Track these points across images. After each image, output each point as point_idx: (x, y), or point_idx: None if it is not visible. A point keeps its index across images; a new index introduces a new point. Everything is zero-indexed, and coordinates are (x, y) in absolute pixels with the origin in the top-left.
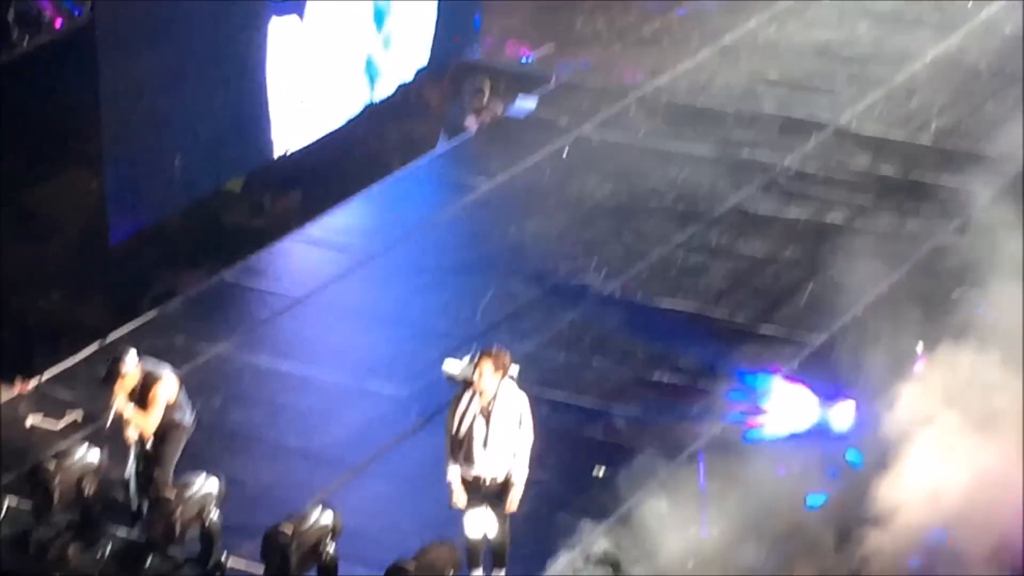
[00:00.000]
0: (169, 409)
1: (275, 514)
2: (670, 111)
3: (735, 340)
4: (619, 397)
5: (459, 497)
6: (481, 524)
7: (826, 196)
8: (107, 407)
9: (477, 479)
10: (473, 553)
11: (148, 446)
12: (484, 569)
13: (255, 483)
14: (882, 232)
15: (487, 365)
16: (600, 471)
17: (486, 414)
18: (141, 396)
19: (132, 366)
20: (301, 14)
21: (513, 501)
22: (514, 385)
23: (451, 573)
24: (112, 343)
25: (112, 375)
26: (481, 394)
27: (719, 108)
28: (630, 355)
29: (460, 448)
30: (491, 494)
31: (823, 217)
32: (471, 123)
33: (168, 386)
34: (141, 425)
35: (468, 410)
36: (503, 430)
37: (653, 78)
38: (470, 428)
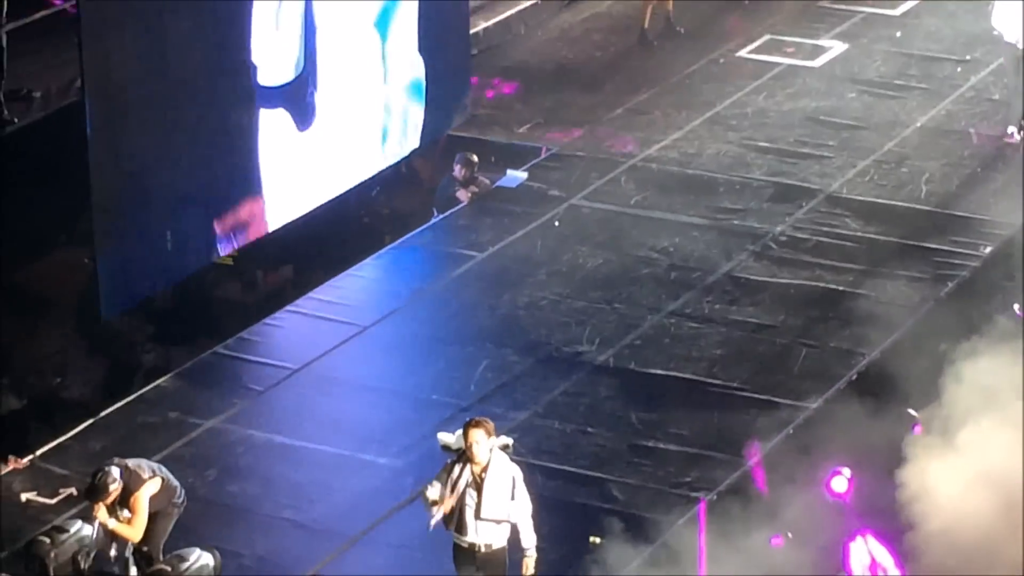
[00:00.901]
0: (154, 500)
1: None
2: (661, 180)
3: (729, 406)
4: (614, 464)
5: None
6: None
7: (818, 262)
8: (92, 519)
9: (472, 546)
10: None
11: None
12: None
13: (251, 556)
14: (875, 296)
15: (479, 432)
16: (596, 540)
17: (478, 483)
18: (123, 500)
19: (116, 483)
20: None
21: (529, 567)
22: (505, 456)
23: None
24: (105, 415)
25: (98, 491)
26: (475, 463)
27: (710, 176)
28: (624, 422)
29: (452, 517)
30: (486, 565)
31: (816, 283)
32: (462, 196)
33: (149, 489)
34: (129, 535)
35: (460, 479)
36: (495, 500)
37: (644, 148)
38: (462, 497)
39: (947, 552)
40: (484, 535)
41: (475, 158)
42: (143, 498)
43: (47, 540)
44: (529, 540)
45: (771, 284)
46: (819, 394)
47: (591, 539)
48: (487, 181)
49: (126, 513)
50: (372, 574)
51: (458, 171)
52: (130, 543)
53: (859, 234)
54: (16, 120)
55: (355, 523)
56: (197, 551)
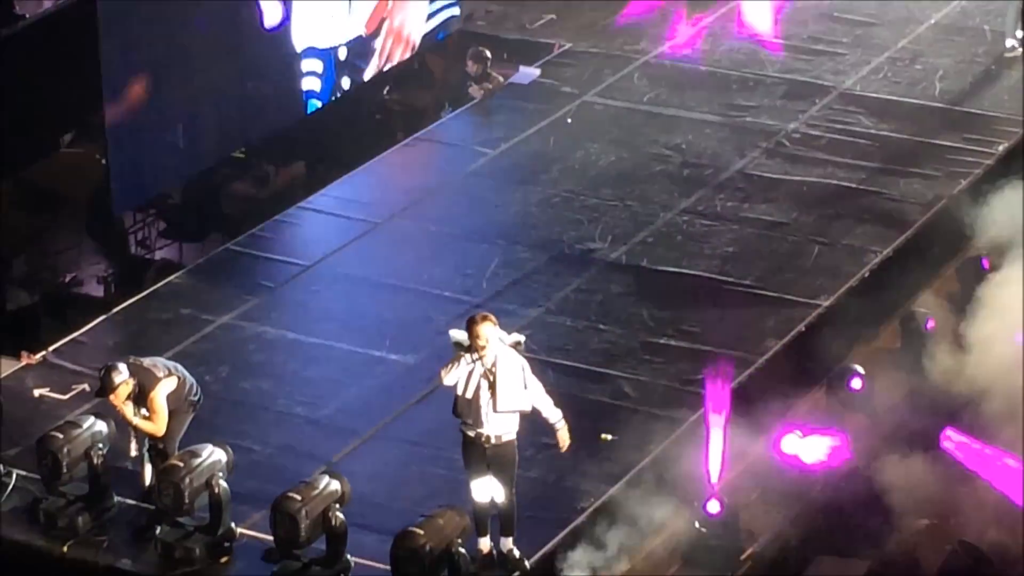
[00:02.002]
0: (171, 398)
1: (283, 482)
2: (674, 76)
3: (741, 304)
4: (625, 361)
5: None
6: (487, 489)
7: (831, 159)
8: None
9: (481, 437)
10: (480, 520)
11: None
12: (491, 537)
13: (263, 452)
14: (888, 194)
15: (486, 327)
16: (608, 436)
17: (490, 379)
18: (140, 399)
19: (123, 378)
20: None
21: (564, 439)
22: (510, 350)
23: (459, 539)
24: (119, 312)
25: (104, 389)
26: (483, 357)
27: (723, 73)
28: (636, 320)
29: (468, 409)
30: (496, 459)
31: (829, 180)
32: (474, 92)
33: (166, 387)
34: (152, 431)
35: (472, 374)
36: (510, 392)
37: (656, 44)
38: (476, 392)
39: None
40: (497, 427)
41: (488, 53)
42: (160, 396)
43: (60, 436)
44: (554, 415)
45: (784, 182)
46: (831, 292)
47: (602, 436)
48: (500, 78)
49: (144, 412)
50: (384, 470)
51: (470, 66)
52: (146, 440)
53: (872, 132)
54: (27, 15)
55: (367, 419)
56: (210, 447)
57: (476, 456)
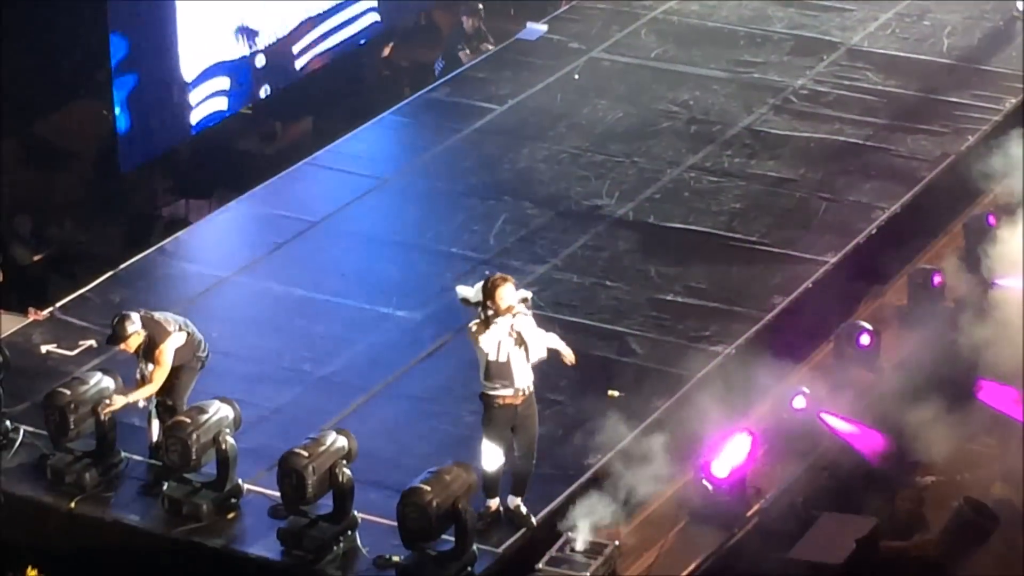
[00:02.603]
0: (179, 353)
1: (290, 438)
2: (681, 32)
3: (748, 260)
4: (632, 318)
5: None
6: (502, 456)
7: (839, 115)
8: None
9: (518, 393)
10: (491, 484)
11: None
12: (501, 496)
13: (269, 408)
14: (895, 150)
15: (508, 286)
16: (615, 393)
17: (514, 335)
18: (148, 352)
19: (135, 328)
20: None
21: (569, 354)
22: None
23: (466, 495)
24: (125, 268)
25: (116, 337)
26: (505, 315)
27: (730, 29)
28: (643, 276)
29: (503, 372)
30: (524, 418)
31: (836, 136)
32: (463, 57)
33: (175, 341)
34: (148, 390)
35: (503, 338)
36: (537, 342)
37: (664, 0)
38: (508, 354)
39: None
40: (526, 379)
41: (480, 6)
42: (168, 349)
43: (67, 392)
44: (558, 342)
45: (791, 138)
46: (838, 248)
47: (609, 392)
48: (490, 44)
49: (151, 366)
50: (391, 426)
51: (465, 21)
52: (153, 397)
53: (880, 87)
54: None
55: (374, 376)
56: (217, 403)
57: (503, 422)
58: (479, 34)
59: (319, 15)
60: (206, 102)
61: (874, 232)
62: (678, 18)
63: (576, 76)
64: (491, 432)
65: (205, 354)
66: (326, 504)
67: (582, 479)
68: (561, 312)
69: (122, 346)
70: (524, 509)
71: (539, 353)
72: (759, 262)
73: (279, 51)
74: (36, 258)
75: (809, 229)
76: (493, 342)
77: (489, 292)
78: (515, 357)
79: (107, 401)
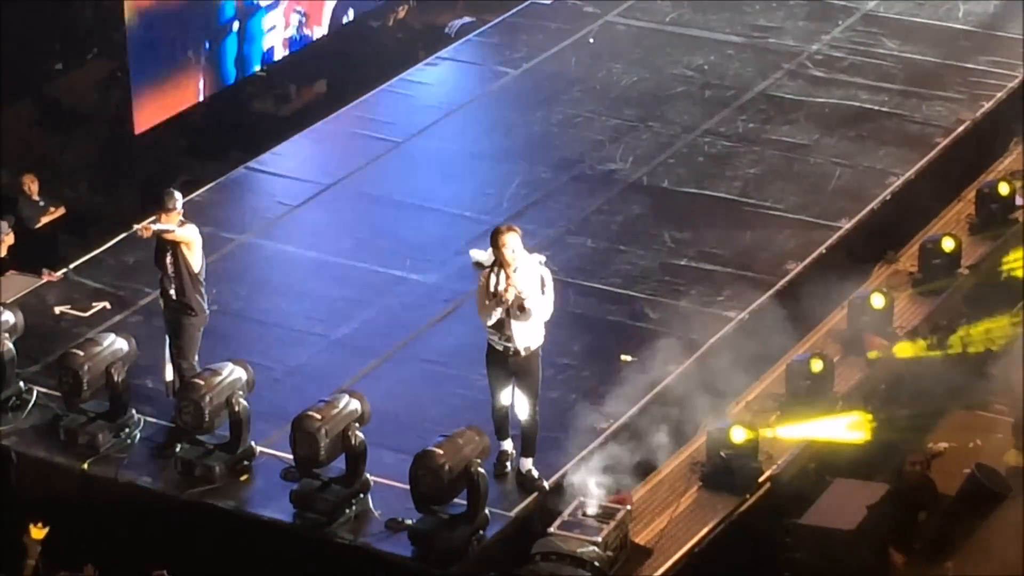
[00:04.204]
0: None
1: (303, 401)
2: None
3: (763, 225)
4: (646, 283)
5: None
6: (509, 394)
7: (854, 81)
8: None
9: (509, 349)
10: (501, 424)
11: (181, 262)
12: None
13: (283, 370)
14: (911, 116)
15: (511, 236)
16: (627, 358)
17: (515, 291)
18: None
19: (178, 205)
20: None
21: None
22: (535, 259)
23: (479, 459)
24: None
25: (163, 205)
26: (508, 268)
27: None
28: (657, 241)
29: (499, 325)
30: (521, 370)
31: (851, 102)
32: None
33: (198, 233)
34: (183, 236)
35: (498, 287)
36: (533, 300)
37: None
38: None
39: None
40: (524, 338)
41: None
42: (193, 227)
43: (80, 353)
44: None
45: (806, 103)
46: (853, 214)
47: (622, 357)
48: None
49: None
50: (404, 389)
51: None
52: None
53: (895, 53)
54: None
55: (387, 339)
56: (230, 365)
57: (500, 365)
58: None
59: None
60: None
61: (888, 198)
62: None
63: (591, 40)
64: (491, 375)
65: (207, 308)
66: (338, 467)
67: (594, 443)
68: (574, 276)
69: (163, 217)
70: (536, 472)
71: (539, 311)
72: (773, 227)
73: None
74: (48, 219)
75: (823, 195)
76: (488, 294)
77: (494, 237)
78: (512, 313)
79: (144, 224)
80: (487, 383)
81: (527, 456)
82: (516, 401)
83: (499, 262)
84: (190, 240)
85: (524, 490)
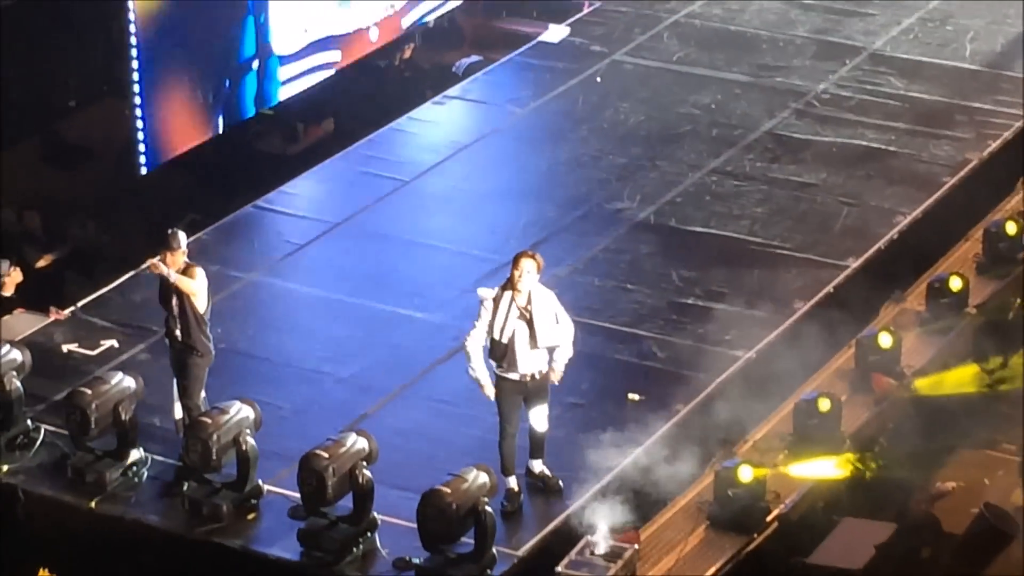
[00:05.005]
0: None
1: (311, 439)
2: (704, 36)
3: (770, 264)
4: (653, 321)
5: (489, 389)
6: (512, 430)
7: (861, 120)
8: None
9: (523, 377)
10: (509, 459)
11: (186, 303)
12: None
13: (290, 409)
14: (917, 155)
15: (530, 263)
16: (635, 397)
17: (527, 316)
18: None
19: (183, 247)
20: None
21: (557, 375)
22: (541, 285)
23: (486, 497)
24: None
25: (165, 242)
26: (518, 294)
27: (753, 33)
28: (664, 280)
29: (504, 353)
30: (535, 392)
31: (858, 141)
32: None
33: (203, 276)
34: (190, 289)
35: (508, 316)
36: (546, 328)
37: (687, 3)
38: (512, 334)
39: None
40: (535, 364)
41: None
42: (200, 272)
43: (88, 391)
44: (565, 357)
45: (813, 142)
46: (860, 253)
47: (630, 396)
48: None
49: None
50: (411, 428)
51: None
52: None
53: (902, 93)
54: None
55: (394, 377)
56: (237, 404)
57: (513, 392)
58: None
59: None
60: (302, 77)
61: (895, 237)
62: (700, 22)
63: (598, 79)
64: (500, 401)
65: (211, 348)
66: (346, 505)
67: (602, 482)
68: (582, 315)
69: (167, 255)
70: (549, 472)
71: (550, 339)
72: (780, 266)
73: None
74: (54, 257)
75: (830, 233)
76: (481, 331)
77: (514, 260)
78: (520, 339)
79: (154, 261)
80: (495, 421)
81: (537, 458)
82: (531, 417)
83: (509, 285)
84: (195, 292)
85: (540, 490)
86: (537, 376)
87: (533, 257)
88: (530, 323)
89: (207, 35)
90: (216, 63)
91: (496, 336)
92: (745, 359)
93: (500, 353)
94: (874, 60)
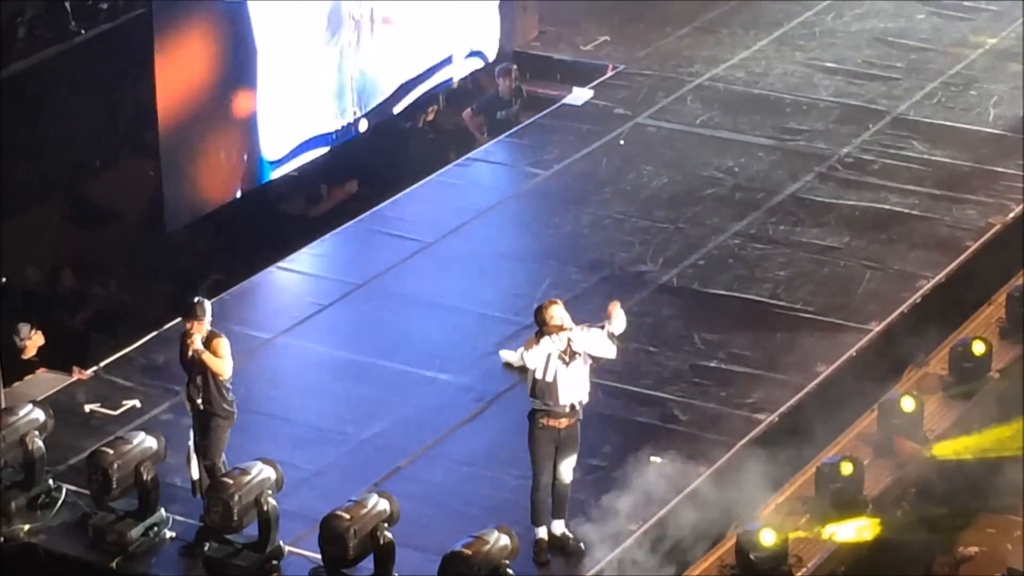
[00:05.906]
0: (219, 388)
1: (332, 500)
2: (727, 99)
3: (792, 328)
4: (676, 384)
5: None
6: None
7: (884, 184)
8: (185, 345)
9: (563, 413)
10: (540, 511)
11: (209, 373)
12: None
13: (312, 470)
14: (941, 219)
15: (556, 308)
16: (657, 459)
17: (566, 358)
18: (206, 344)
19: (208, 316)
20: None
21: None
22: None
23: (507, 559)
24: (169, 328)
25: (191, 313)
26: (560, 333)
27: (776, 96)
28: (687, 342)
29: (548, 391)
30: (566, 439)
31: (881, 205)
32: (473, 128)
33: (227, 346)
34: (217, 366)
35: (550, 357)
36: (584, 368)
37: (710, 67)
38: (555, 375)
39: None
40: (575, 395)
41: (514, 67)
42: (225, 342)
43: (110, 451)
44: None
45: (836, 206)
46: (883, 317)
47: (651, 458)
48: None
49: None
50: (433, 490)
51: (501, 84)
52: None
53: (925, 157)
54: (84, 31)
55: (417, 439)
56: (259, 464)
57: (547, 440)
58: (519, 92)
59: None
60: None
61: (918, 301)
62: (724, 85)
63: (621, 142)
64: (534, 451)
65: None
66: (367, 567)
67: (625, 544)
68: (604, 378)
69: (191, 326)
70: (570, 535)
71: (602, 352)
72: (803, 330)
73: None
74: (81, 317)
75: (853, 297)
76: (541, 357)
77: (538, 314)
78: (562, 377)
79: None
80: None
81: (560, 518)
82: (560, 469)
83: (542, 331)
84: (222, 371)
85: (562, 553)
86: (572, 409)
87: (554, 302)
88: (572, 356)
89: (234, 93)
90: (242, 121)
91: (540, 376)
92: (768, 422)
93: (544, 390)
94: (897, 124)
